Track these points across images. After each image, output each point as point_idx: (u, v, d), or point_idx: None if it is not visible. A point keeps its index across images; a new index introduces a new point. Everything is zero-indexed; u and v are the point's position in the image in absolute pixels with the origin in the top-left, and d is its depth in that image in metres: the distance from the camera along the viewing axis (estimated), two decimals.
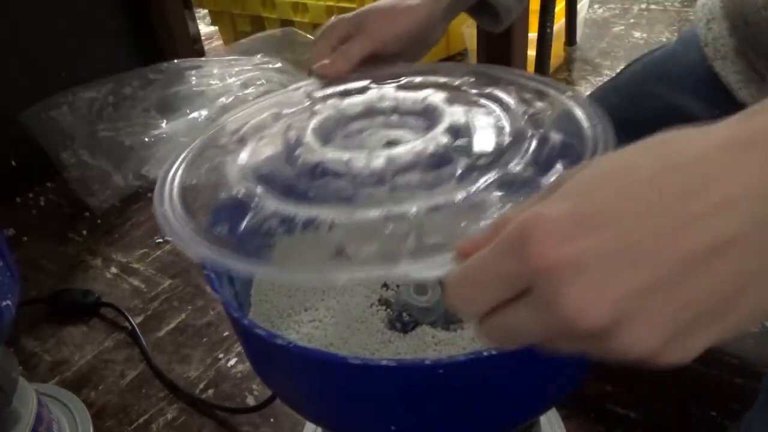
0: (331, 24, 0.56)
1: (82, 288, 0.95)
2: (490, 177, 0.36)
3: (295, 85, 0.55)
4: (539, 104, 0.43)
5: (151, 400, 0.78)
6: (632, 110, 0.64)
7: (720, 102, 0.59)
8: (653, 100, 0.64)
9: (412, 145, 0.40)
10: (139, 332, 0.87)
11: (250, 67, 1.33)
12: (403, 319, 0.46)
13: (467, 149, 0.39)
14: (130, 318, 0.89)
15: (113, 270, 1.01)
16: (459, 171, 0.37)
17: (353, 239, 0.34)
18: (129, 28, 1.37)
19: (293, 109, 0.50)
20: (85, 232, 1.10)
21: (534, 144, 0.39)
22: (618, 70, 0.71)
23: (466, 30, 1.52)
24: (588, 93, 0.73)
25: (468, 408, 0.39)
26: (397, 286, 0.50)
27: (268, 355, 0.41)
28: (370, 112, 0.47)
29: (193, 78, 1.30)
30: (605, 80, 0.65)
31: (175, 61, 1.33)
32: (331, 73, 0.53)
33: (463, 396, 0.38)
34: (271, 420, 0.73)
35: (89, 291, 0.93)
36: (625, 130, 0.62)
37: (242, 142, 0.46)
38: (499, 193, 0.35)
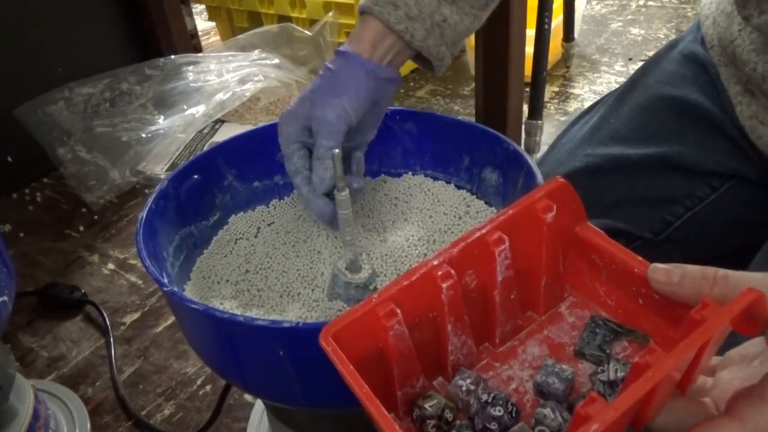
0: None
1: (79, 284, 0.95)
2: None
3: None
4: None
5: (148, 396, 0.78)
6: (656, 145, 0.58)
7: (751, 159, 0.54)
8: (684, 139, 0.57)
9: None
10: (111, 335, 0.86)
11: (247, 63, 1.33)
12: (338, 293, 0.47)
13: None
14: (106, 316, 0.89)
15: (110, 266, 1.01)
16: None
17: None
18: (126, 24, 1.36)
19: None
20: (81, 228, 1.10)
21: None
22: (616, 68, 0.68)
23: None
24: (597, 100, 0.65)
25: None
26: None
27: (192, 322, 0.45)
28: None
29: (191, 74, 1.30)
30: (603, 78, 0.63)
31: (172, 56, 1.32)
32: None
33: None
34: None
35: (76, 287, 0.93)
36: (659, 169, 0.58)
37: None
38: None
